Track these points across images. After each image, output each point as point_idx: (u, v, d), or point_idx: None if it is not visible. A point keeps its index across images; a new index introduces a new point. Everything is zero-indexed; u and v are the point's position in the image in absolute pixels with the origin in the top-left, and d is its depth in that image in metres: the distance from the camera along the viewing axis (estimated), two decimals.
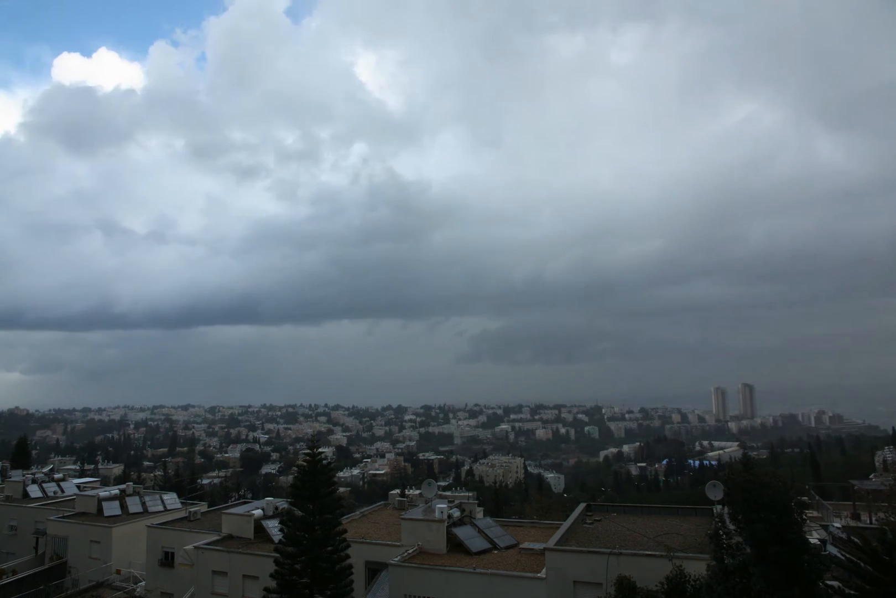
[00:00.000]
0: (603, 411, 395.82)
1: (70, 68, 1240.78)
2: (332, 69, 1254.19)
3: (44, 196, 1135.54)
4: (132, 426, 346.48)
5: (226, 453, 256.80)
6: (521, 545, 30.61)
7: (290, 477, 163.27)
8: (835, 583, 16.62)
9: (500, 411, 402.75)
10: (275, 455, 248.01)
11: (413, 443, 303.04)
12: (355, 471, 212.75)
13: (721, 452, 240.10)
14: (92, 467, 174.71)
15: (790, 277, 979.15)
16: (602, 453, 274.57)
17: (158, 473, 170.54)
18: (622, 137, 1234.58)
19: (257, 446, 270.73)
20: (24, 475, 57.26)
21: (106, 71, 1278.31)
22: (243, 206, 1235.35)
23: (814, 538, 25.15)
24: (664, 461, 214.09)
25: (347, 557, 26.80)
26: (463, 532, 30.96)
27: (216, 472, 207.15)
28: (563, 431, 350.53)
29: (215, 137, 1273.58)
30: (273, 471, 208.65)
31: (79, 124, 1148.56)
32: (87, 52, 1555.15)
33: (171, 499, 48.61)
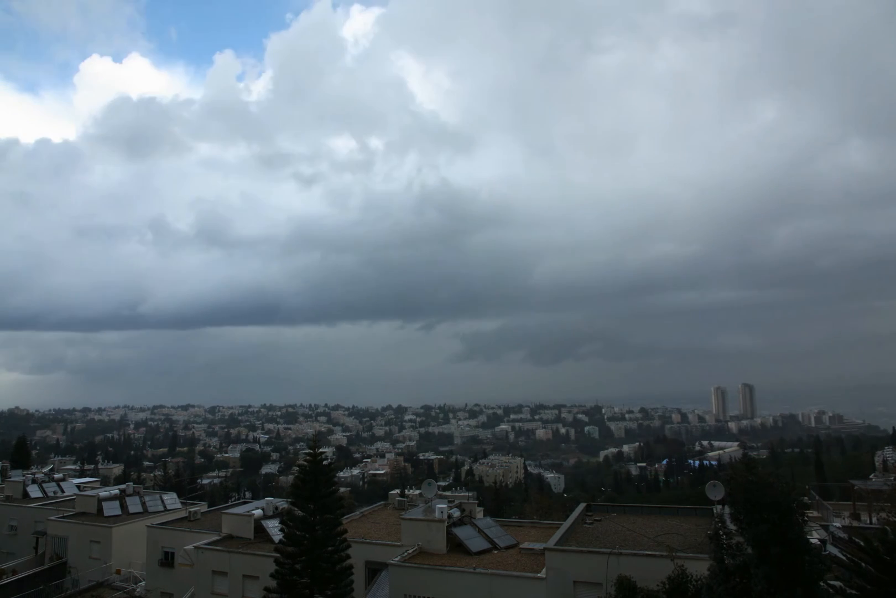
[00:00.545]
0: (603, 411, 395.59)
1: (98, 72, 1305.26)
2: (384, 81, 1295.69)
3: (94, 199, 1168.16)
4: (132, 426, 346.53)
5: (226, 453, 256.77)
6: (521, 545, 30.59)
7: (291, 477, 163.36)
8: (836, 583, 16.60)
9: (500, 411, 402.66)
10: (275, 455, 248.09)
11: (413, 443, 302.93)
12: (355, 471, 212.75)
13: (721, 452, 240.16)
14: (92, 467, 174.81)
15: (798, 280, 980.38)
16: (602, 453, 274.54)
17: (158, 473, 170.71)
18: (663, 144, 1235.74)
19: (257, 446, 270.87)
20: (24, 475, 57.24)
21: (137, 77, 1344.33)
22: (294, 210, 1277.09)
23: (814, 538, 25.15)
24: (664, 461, 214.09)
25: (348, 557, 26.79)
26: (463, 532, 30.94)
27: (216, 472, 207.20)
28: (563, 431, 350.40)
29: (270, 145, 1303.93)
30: (273, 471, 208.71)
31: (140, 133, 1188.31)
32: (117, 58, 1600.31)
33: (171, 499, 48.55)
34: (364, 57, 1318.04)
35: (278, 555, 26.29)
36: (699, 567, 18.09)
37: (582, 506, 33.65)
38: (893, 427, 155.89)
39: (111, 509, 45.29)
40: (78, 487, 57.10)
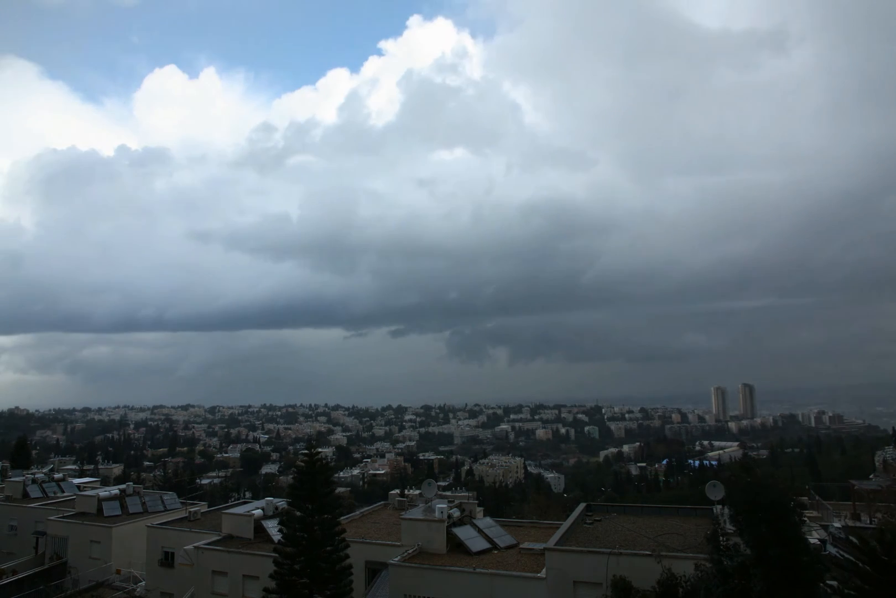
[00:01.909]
0: (603, 411, 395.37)
1: (167, 84, 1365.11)
2: (500, 104, 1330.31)
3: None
4: (132, 426, 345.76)
5: (226, 453, 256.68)
6: (521, 545, 30.61)
7: (290, 477, 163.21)
8: (834, 583, 16.62)
9: (500, 411, 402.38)
10: (275, 455, 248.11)
11: (413, 443, 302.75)
12: (355, 471, 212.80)
13: (721, 452, 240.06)
14: (92, 467, 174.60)
15: (804, 285, 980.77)
16: (602, 453, 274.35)
17: (158, 473, 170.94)
18: (766, 160, 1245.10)
19: (257, 446, 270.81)
20: (24, 475, 57.24)
21: (210, 90, 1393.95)
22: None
23: (814, 539, 25.16)
24: (664, 461, 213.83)
25: (347, 557, 26.80)
26: (463, 532, 30.97)
27: (216, 472, 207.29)
28: (563, 431, 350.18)
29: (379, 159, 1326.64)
30: (273, 471, 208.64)
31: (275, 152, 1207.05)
32: (193, 72, 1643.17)
33: (171, 499, 48.58)
34: (474, 83, 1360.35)
35: (277, 555, 26.30)
36: (690, 567, 18.09)
37: (582, 506, 33.66)
38: (893, 427, 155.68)
39: (111, 509, 45.30)
40: (78, 487, 57.08)
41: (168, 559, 37.85)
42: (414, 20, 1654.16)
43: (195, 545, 34.81)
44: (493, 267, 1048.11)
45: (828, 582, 16.46)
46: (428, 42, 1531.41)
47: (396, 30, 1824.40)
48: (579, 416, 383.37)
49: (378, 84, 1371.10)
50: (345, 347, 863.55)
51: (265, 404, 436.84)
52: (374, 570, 30.82)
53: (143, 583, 38.82)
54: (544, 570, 25.68)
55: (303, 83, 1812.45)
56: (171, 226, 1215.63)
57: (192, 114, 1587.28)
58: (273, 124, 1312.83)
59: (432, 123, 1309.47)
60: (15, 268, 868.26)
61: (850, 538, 18.85)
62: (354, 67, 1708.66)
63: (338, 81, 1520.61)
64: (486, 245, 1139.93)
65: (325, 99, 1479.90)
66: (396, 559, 28.49)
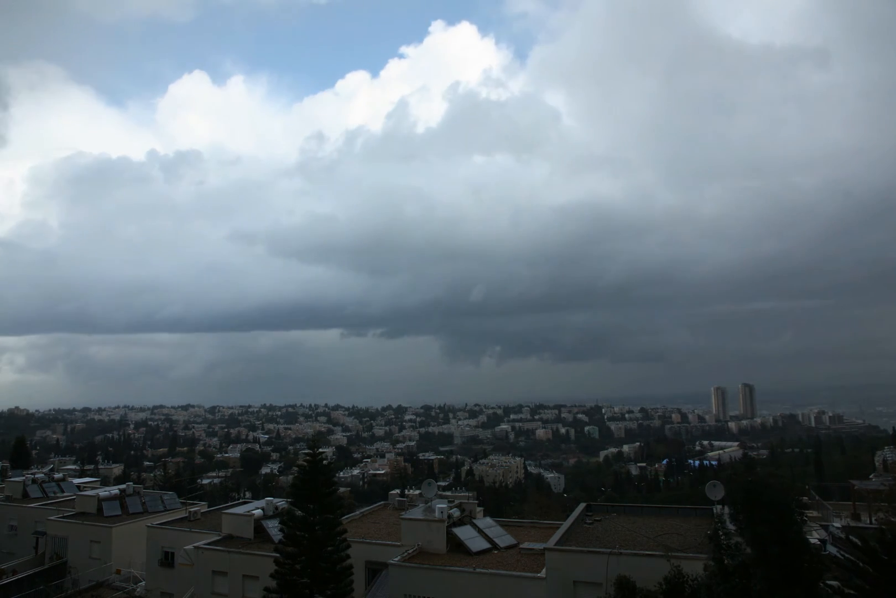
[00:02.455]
0: (603, 411, 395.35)
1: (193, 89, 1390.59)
2: (540, 112, 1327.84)
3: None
4: (132, 426, 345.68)
5: (226, 453, 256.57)
6: (521, 545, 30.61)
7: (290, 477, 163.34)
8: (834, 583, 16.63)
9: (500, 411, 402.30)
10: (275, 455, 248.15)
11: (413, 443, 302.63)
12: (355, 471, 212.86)
13: (721, 452, 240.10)
14: (92, 467, 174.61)
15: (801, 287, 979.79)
16: (602, 453, 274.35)
17: (158, 473, 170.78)
18: (800, 164, 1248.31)
19: (257, 446, 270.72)
20: (24, 475, 57.23)
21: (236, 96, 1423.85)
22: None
23: (814, 538, 25.18)
24: (664, 461, 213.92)
25: (348, 557, 26.79)
26: (463, 532, 30.97)
27: (216, 472, 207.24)
28: (563, 431, 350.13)
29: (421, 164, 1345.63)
30: (273, 471, 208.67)
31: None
32: (218, 76, 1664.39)
33: (171, 499, 48.56)
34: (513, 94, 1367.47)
35: (278, 555, 26.30)
36: (696, 567, 18.12)
37: (582, 506, 33.66)
38: (893, 427, 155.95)
39: (111, 509, 45.30)
40: (78, 487, 57.06)
41: (168, 559, 37.83)
42: (436, 25, 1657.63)
43: (195, 545, 34.78)
44: (526, 269, 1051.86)
45: (828, 582, 16.47)
46: (452, 47, 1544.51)
47: (418, 34, 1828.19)
48: (579, 416, 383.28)
49: (423, 91, 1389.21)
50: (346, 347, 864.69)
51: (265, 404, 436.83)
52: (374, 570, 30.81)
53: (143, 583, 38.81)
54: (544, 570, 25.68)
55: (323, 85, 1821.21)
56: (201, 228, 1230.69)
57: (217, 117, 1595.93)
58: (323, 132, 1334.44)
59: (474, 130, 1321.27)
60: (42, 269, 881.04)
61: (851, 537, 18.84)
62: (374, 71, 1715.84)
63: (358, 84, 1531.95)
64: (522, 248, 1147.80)
65: (347, 102, 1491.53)
66: (396, 559, 28.49)
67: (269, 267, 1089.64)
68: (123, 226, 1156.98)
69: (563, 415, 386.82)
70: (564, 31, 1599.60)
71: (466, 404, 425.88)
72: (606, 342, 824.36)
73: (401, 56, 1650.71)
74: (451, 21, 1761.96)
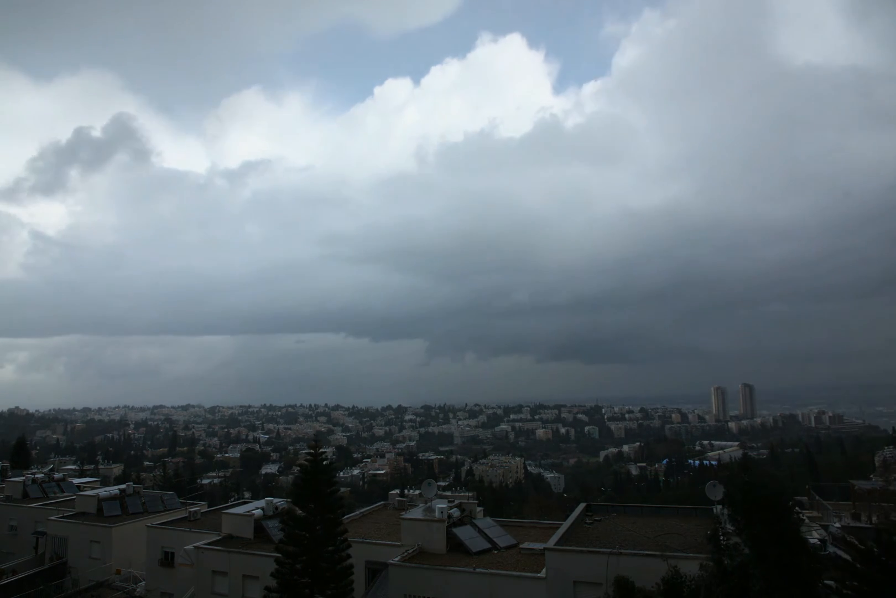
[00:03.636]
0: (603, 411, 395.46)
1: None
2: (620, 127, 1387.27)
3: None
4: (132, 426, 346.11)
5: (226, 453, 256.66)
6: (521, 545, 30.62)
7: (291, 477, 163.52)
8: (833, 583, 16.64)
9: (500, 411, 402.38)
10: (275, 455, 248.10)
11: (413, 443, 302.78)
12: (355, 471, 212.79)
13: (721, 452, 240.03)
14: (92, 467, 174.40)
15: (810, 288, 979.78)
16: (602, 453, 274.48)
17: (158, 473, 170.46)
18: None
19: (257, 446, 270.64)
20: (24, 475, 57.23)
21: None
22: None
23: (814, 538, 25.19)
24: (664, 461, 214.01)
25: (348, 557, 26.82)
26: (463, 532, 30.98)
27: (216, 472, 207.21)
28: (563, 431, 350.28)
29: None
30: (273, 471, 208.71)
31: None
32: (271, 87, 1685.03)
33: (170, 499, 48.59)
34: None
35: (279, 555, 26.31)
36: (695, 567, 18.13)
37: (582, 506, 33.68)
38: (893, 427, 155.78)
39: (111, 509, 45.30)
40: (78, 487, 57.08)
41: (168, 559, 37.86)
42: (484, 36, 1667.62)
43: (195, 545, 34.79)
44: (586, 276, 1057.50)
45: (827, 582, 16.48)
46: (498, 58, 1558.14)
47: (466, 44, 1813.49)
48: (579, 416, 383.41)
49: (496, 102, 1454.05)
50: (346, 347, 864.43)
51: (265, 404, 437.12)
52: (374, 570, 30.81)
53: (143, 583, 38.84)
54: (544, 570, 25.70)
55: (365, 92, 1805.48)
56: (252, 232, 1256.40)
57: (268, 129, 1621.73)
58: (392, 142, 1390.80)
59: (555, 142, 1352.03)
60: (109, 269, 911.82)
61: (849, 538, 18.87)
62: (416, 78, 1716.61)
63: (398, 91, 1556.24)
64: (590, 256, 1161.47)
65: (398, 111, 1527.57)
66: (396, 559, 28.51)
67: (329, 270, 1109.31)
68: (180, 232, 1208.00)
69: (563, 415, 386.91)
70: (628, 51, 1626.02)
71: (466, 404, 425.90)
72: (607, 343, 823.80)
73: (444, 64, 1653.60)
74: (500, 31, 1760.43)
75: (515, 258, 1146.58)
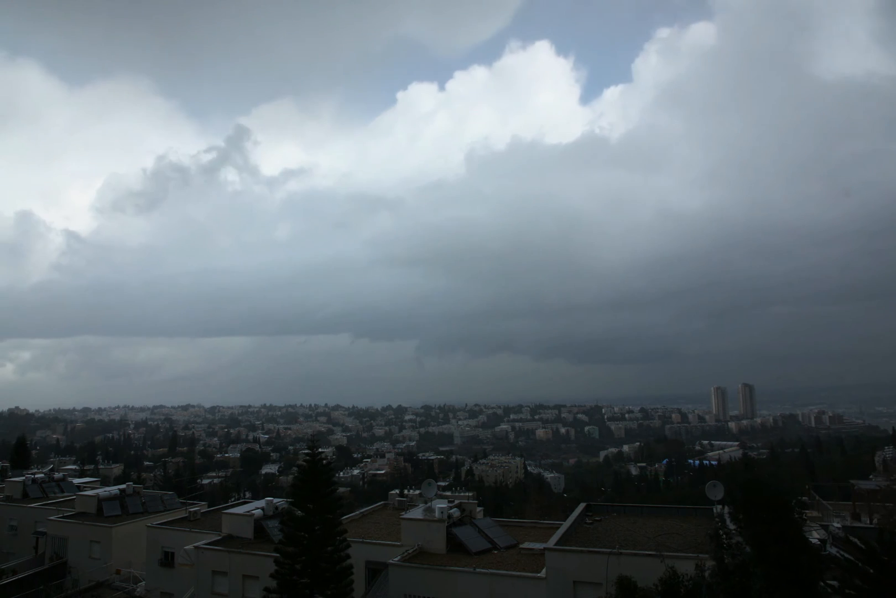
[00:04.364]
0: (603, 411, 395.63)
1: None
2: (661, 132, 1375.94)
3: None
4: (132, 426, 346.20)
5: (226, 453, 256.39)
6: (521, 545, 30.62)
7: (291, 477, 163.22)
8: (834, 583, 16.63)
9: (500, 411, 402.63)
10: (275, 455, 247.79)
11: (413, 443, 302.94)
12: (355, 471, 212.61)
13: (721, 452, 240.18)
14: (92, 467, 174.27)
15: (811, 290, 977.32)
16: (602, 453, 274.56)
17: (158, 473, 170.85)
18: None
19: (257, 446, 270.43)
20: (24, 475, 57.21)
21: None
22: None
23: (814, 538, 25.19)
24: (664, 461, 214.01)
25: (348, 557, 26.79)
26: (463, 532, 30.97)
27: (216, 472, 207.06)
28: (563, 431, 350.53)
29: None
30: (273, 471, 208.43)
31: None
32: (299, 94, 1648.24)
33: (170, 499, 48.59)
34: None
35: (278, 555, 26.29)
36: (691, 567, 18.11)
37: (582, 506, 33.68)
38: (893, 427, 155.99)
39: (111, 509, 45.27)
40: (78, 487, 57.03)
41: (168, 559, 37.82)
42: (512, 44, 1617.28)
43: (195, 545, 34.77)
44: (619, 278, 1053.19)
45: (828, 582, 16.47)
46: (527, 65, 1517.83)
47: (494, 51, 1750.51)
48: (579, 416, 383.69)
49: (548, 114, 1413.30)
50: (348, 348, 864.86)
51: (265, 404, 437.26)
52: (374, 570, 30.80)
53: (143, 583, 38.82)
54: (544, 570, 25.69)
55: (391, 96, 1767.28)
56: (281, 235, 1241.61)
57: (296, 134, 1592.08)
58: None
59: (600, 149, 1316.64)
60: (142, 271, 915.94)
61: (850, 537, 18.85)
62: (441, 83, 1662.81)
63: (423, 96, 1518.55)
64: (635, 258, 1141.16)
65: (427, 118, 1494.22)
66: (396, 559, 28.49)
67: (373, 274, 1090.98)
68: (214, 234, 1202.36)
69: (563, 415, 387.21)
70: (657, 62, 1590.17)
71: (466, 404, 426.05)
72: (608, 343, 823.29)
73: (469, 70, 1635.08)
74: (528, 39, 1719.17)
75: (550, 260, 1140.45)
